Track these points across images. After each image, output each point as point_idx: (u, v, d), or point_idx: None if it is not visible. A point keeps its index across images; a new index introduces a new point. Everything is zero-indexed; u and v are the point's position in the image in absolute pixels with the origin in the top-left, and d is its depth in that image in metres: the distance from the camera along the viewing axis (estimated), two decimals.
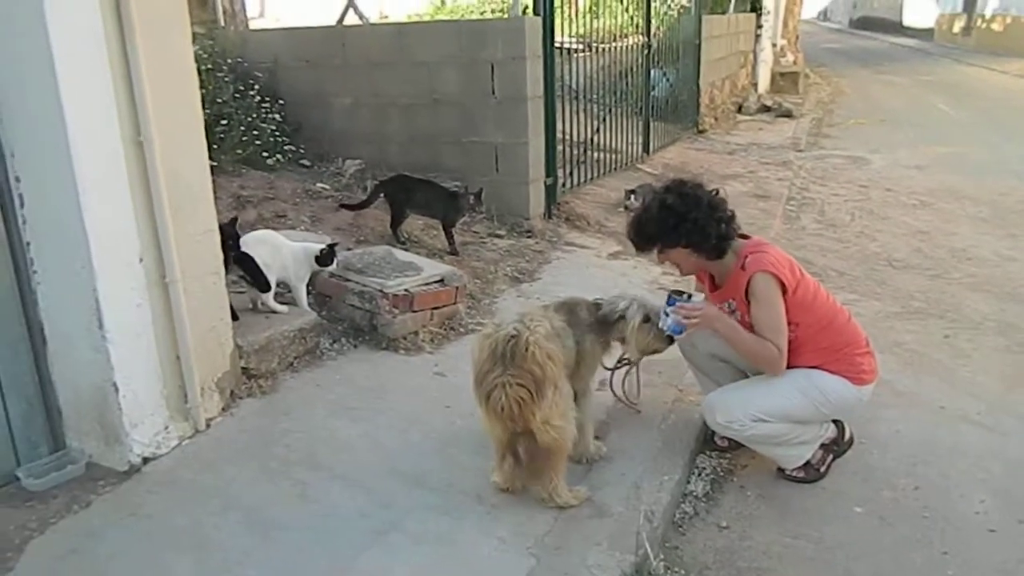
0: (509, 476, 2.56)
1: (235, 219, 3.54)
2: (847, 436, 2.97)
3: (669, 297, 2.69)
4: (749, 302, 2.67)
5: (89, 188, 2.45)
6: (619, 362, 3.08)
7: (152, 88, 2.57)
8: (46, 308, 2.65)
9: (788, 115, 11.86)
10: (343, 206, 5.14)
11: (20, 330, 2.64)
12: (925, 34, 28.66)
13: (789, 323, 2.66)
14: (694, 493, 2.79)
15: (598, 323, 2.78)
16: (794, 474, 2.86)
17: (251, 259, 3.44)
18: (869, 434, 3.09)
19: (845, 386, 2.72)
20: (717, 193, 2.76)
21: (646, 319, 2.77)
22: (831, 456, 2.90)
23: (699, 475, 2.89)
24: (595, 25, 6.62)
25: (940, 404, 3.39)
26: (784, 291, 2.63)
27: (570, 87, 6.13)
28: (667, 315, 2.66)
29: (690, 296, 2.70)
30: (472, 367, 2.49)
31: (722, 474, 2.92)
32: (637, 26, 7.88)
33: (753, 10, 13.74)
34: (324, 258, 3.70)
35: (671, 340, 2.80)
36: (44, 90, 2.37)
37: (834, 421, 2.92)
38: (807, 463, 2.85)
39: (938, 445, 3.07)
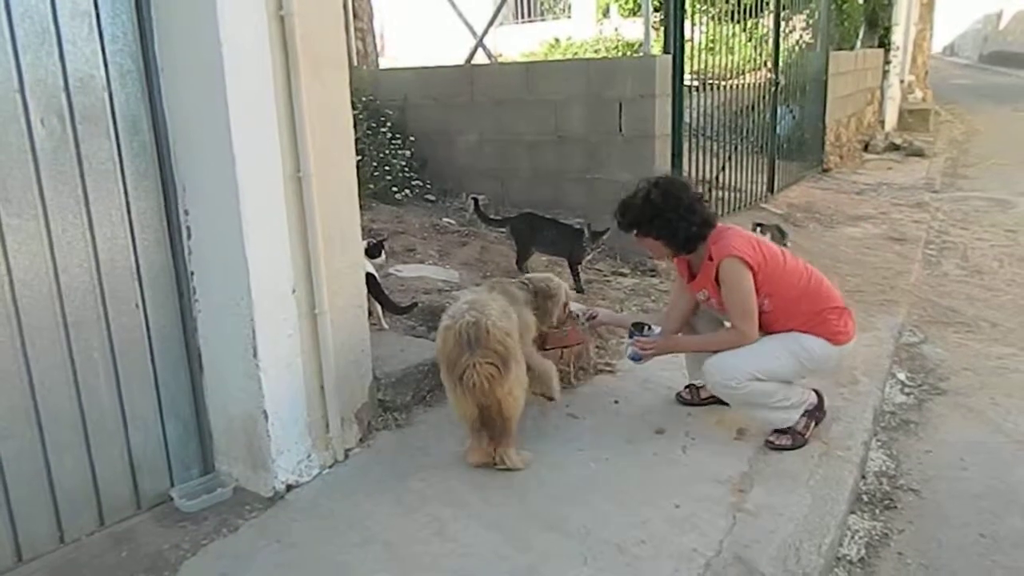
0: (484, 452, 2.88)
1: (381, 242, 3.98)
2: (825, 405, 3.25)
3: (630, 331, 3.23)
4: (720, 288, 2.99)
5: (252, 222, 2.55)
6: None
7: (312, 125, 2.67)
8: (204, 335, 2.77)
9: (919, 154, 11.29)
10: (476, 205, 5.37)
11: (180, 356, 2.77)
12: None
13: (765, 295, 2.97)
14: (848, 557, 2.60)
15: (533, 298, 3.32)
16: (782, 442, 3.06)
17: (374, 277, 3.67)
18: None
19: (824, 346, 3.01)
20: (701, 197, 3.13)
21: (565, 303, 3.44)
22: (813, 423, 3.15)
23: (852, 537, 2.70)
24: (714, 62, 6.53)
25: None
26: (753, 270, 2.92)
27: (689, 126, 6.04)
28: (629, 346, 3.21)
29: (650, 328, 3.23)
30: (440, 357, 2.88)
31: (877, 537, 2.71)
32: (765, 63, 7.71)
33: (881, 46, 13.25)
34: (372, 250, 3.93)
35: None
36: (217, 127, 2.48)
37: (815, 391, 3.22)
38: (792, 431, 3.07)
39: None
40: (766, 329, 3.02)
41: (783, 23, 7.92)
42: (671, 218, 2.97)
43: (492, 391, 2.73)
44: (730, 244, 2.94)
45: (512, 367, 2.77)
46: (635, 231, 3.10)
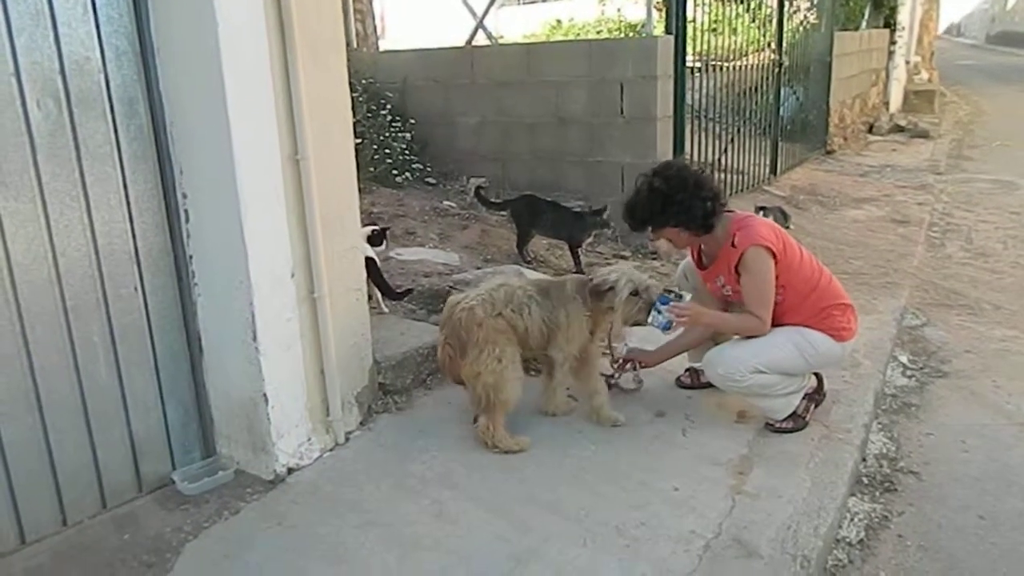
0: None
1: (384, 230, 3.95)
2: (824, 387, 3.26)
3: (661, 295, 2.96)
4: (739, 275, 2.92)
5: (250, 205, 2.54)
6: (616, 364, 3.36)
7: (310, 107, 2.65)
8: (204, 319, 2.77)
9: (924, 135, 11.24)
10: (477, 188, 5.35)
11: (180, 340, 2.77)
12: None
13: (780, 286, 2.92)
14: (847, 539, 2.60)
15: (590, 294, 3.01)
16: (783, 425, 3.05)
17: (374, 262, 3.65)
18: None
19: (829, 341, 2.98)
20: (703, 172, 3.05)
21: (634, 292, 2.98)
22: (813, 405, 3.16)
23: (851, 520, 2.71)
24: (717, 43, 6.46)
25: None
26: (775, 259, 2.88)
27: (692, 108, 5.99)
28: (659, 312, 2.93)
29: (680, 295, 2.96)
30: None
31: (877, 520, 2.72)
32: (769, 43, 7.64)
33: (887, 26, 13.13)
34: (374, 239, 3.91)
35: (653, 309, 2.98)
36: (214, 111, 2.47)
37: (815, 373, 3.20)
38: (793, 414, 3.06)
39: None
40: (773, 321, 2.98)
41: (787, 3, 7.84)
42: (682, 199, 2.87)
43: (450, 369, 2.94)
44: (758, 232, 2.89)
45: (470, 353, 2.83)
46: (650, 227, 3.00)
